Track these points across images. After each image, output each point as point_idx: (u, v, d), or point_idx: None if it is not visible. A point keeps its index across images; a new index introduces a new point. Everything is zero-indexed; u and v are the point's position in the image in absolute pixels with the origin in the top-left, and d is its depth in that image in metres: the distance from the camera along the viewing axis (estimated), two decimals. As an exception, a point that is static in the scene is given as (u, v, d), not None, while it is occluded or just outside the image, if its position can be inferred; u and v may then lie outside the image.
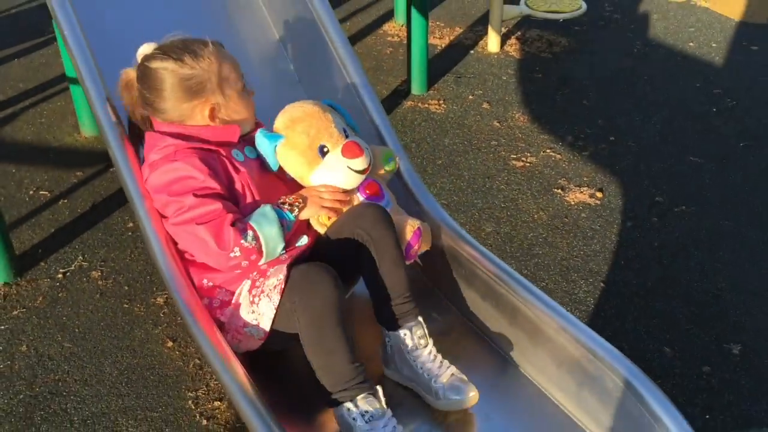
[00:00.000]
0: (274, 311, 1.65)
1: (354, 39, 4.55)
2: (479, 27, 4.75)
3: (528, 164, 3.29)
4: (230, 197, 1.74)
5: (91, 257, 2.72)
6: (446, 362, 1.71)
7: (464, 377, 1.67)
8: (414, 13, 3.71)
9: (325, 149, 1.79)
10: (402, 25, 4.71)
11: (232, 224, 1.65)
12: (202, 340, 1.60)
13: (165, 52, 1.77)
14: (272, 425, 1.39)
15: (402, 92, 3.91)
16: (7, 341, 2.36)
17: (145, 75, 1.79)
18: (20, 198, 3.05)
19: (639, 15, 4.91)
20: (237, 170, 1.78)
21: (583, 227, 2.88)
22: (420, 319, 1.74)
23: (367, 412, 1.53)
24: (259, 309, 1.69)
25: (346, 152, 1.76)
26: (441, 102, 3.81)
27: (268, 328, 1.68)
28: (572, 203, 3.02)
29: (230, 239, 1.64)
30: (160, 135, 1.79)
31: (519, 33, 4.64)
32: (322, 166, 1.79)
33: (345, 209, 1.82)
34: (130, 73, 1.86)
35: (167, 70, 1.75)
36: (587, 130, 3.56)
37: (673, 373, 2.23)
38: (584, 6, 4.42)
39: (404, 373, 1.74)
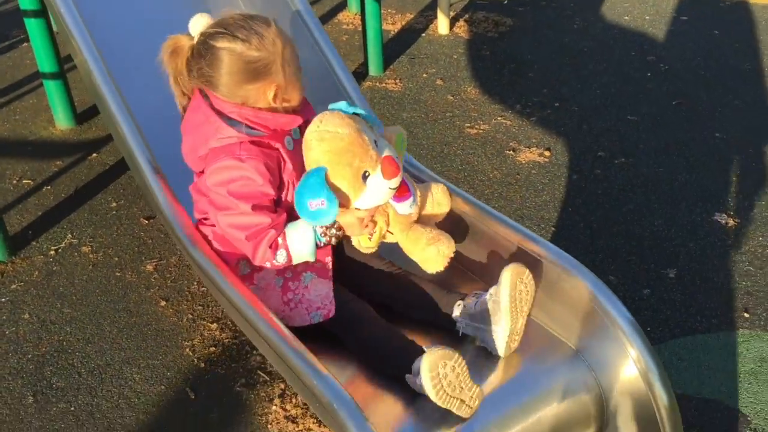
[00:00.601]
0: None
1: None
2: (429, 12, 5.02)
3: (481, 131, 3.56)
4: (278, 195, 1.81)
5: (80, 235, 2.90)
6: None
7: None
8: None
9: (367, 174, 1.73)
10: (356, 14, 4.95)
11: (270, 245, 1.73)
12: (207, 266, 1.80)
13: (231, 32, 1.73)
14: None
15: (360, 74, 4.15)
16: (9, 311, 2.53)
17: (210, 53, 1.75)
18: (5, 188, 3.21)
19: (577, -6, 5.23)
20: (285, 163, 1.80)
21: (533, 182, 3.15)
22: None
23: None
24: (292, 314, 1.87)
25: (386, 173, 1.71)
26: (397, 81, 4.06)
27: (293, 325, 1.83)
28: (523, 162, 3.30)
29: (263, 256, 1.74)
30: (220, 117, 1.78)
31: (467, 16, 4.92)
32: (366, 191, 1.74)
33: (379, 219, 1.83)
34: (181, 40, 1.82)
35: (235, 52, 1.72)
36: (534, 98, 3.85)
37: (619, 298, 2.50)
38: (525, -13, 4.71)
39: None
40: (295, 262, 1.79)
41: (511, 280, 1.67)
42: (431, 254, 1.76)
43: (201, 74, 1.80)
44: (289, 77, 1.78)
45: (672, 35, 4.51)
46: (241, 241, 1.77)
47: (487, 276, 1.92)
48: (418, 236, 1.76)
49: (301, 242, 1.75)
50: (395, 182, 1.73)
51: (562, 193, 3.07)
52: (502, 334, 1.69)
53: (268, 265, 1.79)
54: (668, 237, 2.78)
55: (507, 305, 1.66)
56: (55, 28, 3.48)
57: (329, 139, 1.68)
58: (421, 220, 1.89)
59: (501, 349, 1.71)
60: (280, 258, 1.76)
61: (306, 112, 1.92)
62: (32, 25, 3.40)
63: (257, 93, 1.77)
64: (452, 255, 1.79)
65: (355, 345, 1.84)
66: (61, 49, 3.50)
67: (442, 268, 1.79)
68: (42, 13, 3.38)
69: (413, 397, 1.63)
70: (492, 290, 1.73)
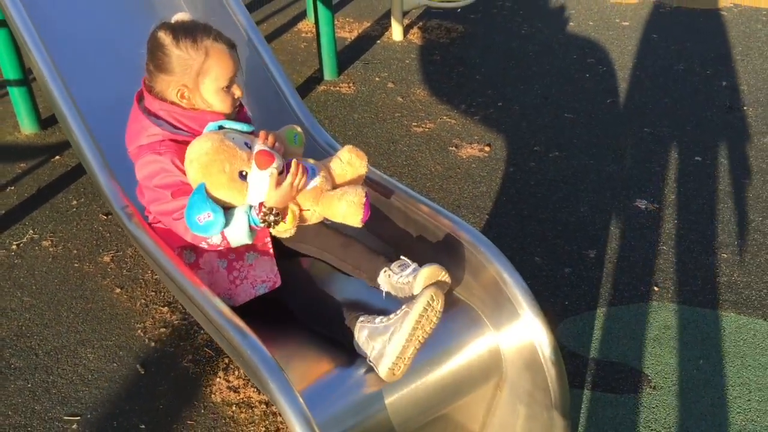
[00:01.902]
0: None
1: (271, 37, 4.97)
2: (385, 20, 5.24)
3: (427, 129, 3.76)
4: None
5: (41, 230, 3.07)
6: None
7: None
8: (320, 6, 4.17)
9: (244, 173, 1.83)
10: (313, 23, 5.15)
11: None
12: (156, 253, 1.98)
13: (173, 28, 1.94)
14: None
15: (316, 79, 4.35)
16: (-28, 300, 2.69)
17: (150, 40, 1.96)
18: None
19: (527, 2, 5.48)
20: None
21: (472, 175, 3.36)
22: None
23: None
24: (237, 290, 2.01)
25: (260, 164, 1.82)
26: (351, 85, 4.27)
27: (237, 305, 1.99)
28: (464, 157, 3.50)
29: (200, 237, 1.87)
30: (148, 117, 1.97)
31: (421, 23, 5.14)
32: (250, 187, 1.85)
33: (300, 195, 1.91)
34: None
35: (164, 42, 1.92)
36: (479, 99, 4.07)
37: (542, 275, 2.71)
38: (475, -5, 4.94)
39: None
40: (233, 245, 1.93)
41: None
42: (343, 209, 1.86)
43: (147, 64, 2.00)
44: (198, 84, 1.92)
45: (613, 39, 4.76)
46: (172, 224, 1.93)
47: (396, 245, 2.12)
48: (328, 199, 1.89)
49: (235, 228, 1.87)
50: (273, 169, 1.83)
51: (498, 185, 3.28)
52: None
53: (204, 245, 1.93)
54: (592, 222, 2.99)
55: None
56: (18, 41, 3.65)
57: (196, 158, 1.82)
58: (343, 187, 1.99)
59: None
60: (215, 240, 1.89)
61: (240, 117, 2.11)
62: (-4, 34, 3.57)
63: (165, 85, 1.95)
64: (363, 200, 1.86)
65: (297, 308, 2.01)
66: (24, 59, 3.67)
67: (361, 215, 1.86)
68: (4, 23, 3.55)
69: (341, 362, 1.82)
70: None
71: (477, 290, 1.89)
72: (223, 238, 1.89)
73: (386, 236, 2.20)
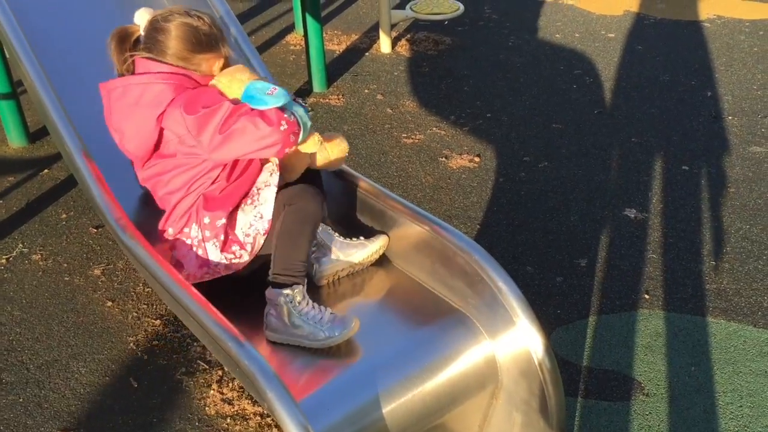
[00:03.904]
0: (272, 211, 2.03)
1: (259, 50, 4.98)
2: (373, 33, 5.27)
3: (417, 141, 3.78)
4: None
5: (31, 244, 3.05)
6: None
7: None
8: (309, 19, 4.19)
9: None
10: (302, 36, 5.17)
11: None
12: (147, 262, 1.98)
13: (183, 13, 2.08)
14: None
15: (305, 91, 4.36)
16: (-39, 315, 2.66)
17: (164, 30, 2.05)
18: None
19: (514, 14, 5.54)
20: None
21: (463, 185, 3.38)
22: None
23: (295, 298, 1.95)
24: (259, 211, 2.05)
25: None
26: (340, 96, 4.28)
27: (267, 225, 2.03)
28: (454, 168, 3.53)
29: (274, 116, 1.93)
30: (156, 78, 2.04)
31: (408, 36, 5.18)
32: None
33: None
34: (129, 28, 2.13)
35: (191, 25, 2.06)
36: (468, 110, 4.10)
37: (534, 284, 2.73)
38: (462, 7, 4.99)
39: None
40: (301, 120, 2.02)
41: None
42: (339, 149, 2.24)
43: (151, 45, 2.07)
44: (230, 50, 2.13)
45: (598, 51, 4.81)
46: (252, 127, 1.91)
47: (392, 254, 2.14)
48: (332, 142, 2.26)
49: (297, 108, 2.05)
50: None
51: (489, 195, 3.30)
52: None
53: (285, 125, 1.93)
54: (582, 231, 3.02)
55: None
56: (7, 54, 3.64)
57: (229, 73, 2.10)
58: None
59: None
60: (288, 113, 1.98)
61: None
62: (-16, 48, 3.55)
63: (208, 63, 2.10)
64: (342, 154, 2.21)
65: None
66: (12, 72, 3.66)
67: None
68: (-7, 36, 3.53)
69: (337, 371, 1.83)
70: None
71: (472, 299, 1.90)
72: (293, 113, 2.01)
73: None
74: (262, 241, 2.06)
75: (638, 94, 4.18)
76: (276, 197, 2.05)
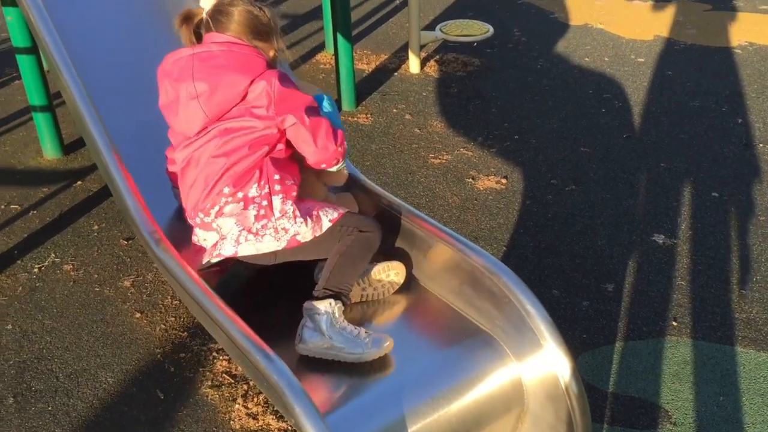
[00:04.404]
0: (330, 224, 2.10)
1: (290, 68, 5.04)
2: (402, 53, 5.31)
3: (444, 161, 3.80)
4: None
5: (63, 254, 3.10)
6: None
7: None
8: (339, 38, 4.25)
9: None
10: (332, 55, 5.23)
11: None
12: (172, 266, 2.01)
13: (246, 2, 2.24)
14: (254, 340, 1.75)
15: (334, 109, 4.40)
16: (-7, 322, 2.72)
17: (227, 13, 2.20)
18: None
19: (542, 37, 5.55)
20: None
21: (489, 207, 3.38)
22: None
23: (336, 311, 1.99)
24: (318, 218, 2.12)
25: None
26: (368, 115, 4.32)
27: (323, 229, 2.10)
28: (481, 189, 3.53)
29: (340, 137, 2.19)
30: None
31: (437, 56, 5.21)
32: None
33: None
34: (194, 10, 2.27)
35: (252, 12, 2.22)
36: (495, 131, 4.11)
37: (560, 308, 2.72)
38: (491, 29, 5.02)
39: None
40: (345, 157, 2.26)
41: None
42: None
43: (213, 26, 2.20)
44: (283, 44, 2.29)
45: (628, 75, 4.80)
46: (329, 133, 2.15)
47: (421, 274, 2.14)
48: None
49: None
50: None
51: (515, 217, 3.30)
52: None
53: (340, 149, 2.20)
54: (609, 255, 3.00)
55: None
56: (45, 67, 3.73)
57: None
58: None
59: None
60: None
61: None
62: (24, 62, 3.65)
63: (265, 50, 2.23)
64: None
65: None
66: (50, 85, 3.75)
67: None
68: (33, 50, 3.63)
69: (363, 388, 1.83)
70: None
71: (499, 320, 1.90)
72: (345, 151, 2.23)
73: (408, 264, 2.22)
74: (326, 226, 2.10)
75: (668, 120, 4.16)
76: (345, 216, 2.14)
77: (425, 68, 5.03)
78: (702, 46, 5.24)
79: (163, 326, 2.68)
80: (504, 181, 3.59)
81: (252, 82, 2.10)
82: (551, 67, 5.01)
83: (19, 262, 3.05)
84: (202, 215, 2.13)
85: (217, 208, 2.09)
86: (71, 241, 3.19)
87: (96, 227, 3.28)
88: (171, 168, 2.40)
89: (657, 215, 3.27)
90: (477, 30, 5.00)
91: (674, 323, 2.62)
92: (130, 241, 3.17)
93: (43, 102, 3.73)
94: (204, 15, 2.25)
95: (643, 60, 5.06)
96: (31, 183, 3.65)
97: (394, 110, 4.39)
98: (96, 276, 2.97)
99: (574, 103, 4.43)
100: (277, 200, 2.07)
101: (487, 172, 3.68)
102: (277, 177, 2.09)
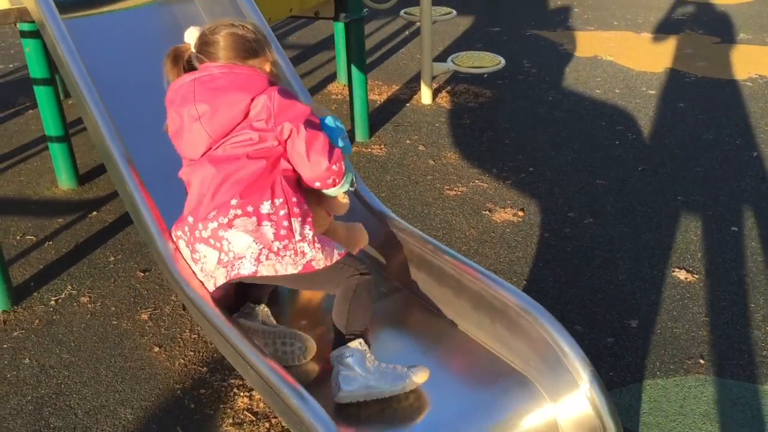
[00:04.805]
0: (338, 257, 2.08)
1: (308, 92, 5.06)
2: (413, 84, 5.34)
3: (459, 193, 3.79)
4: None
5: (79, 286, 3.07)
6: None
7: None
8: (354, 69, 4.26)
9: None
10: (344, 85, 5.25)
11: None
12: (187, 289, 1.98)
13: (228, 24, 2.23)
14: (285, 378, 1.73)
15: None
16: (11, 356, 2.68)
17: (213, 42, 2.19)
18: (8, 243, 3.38)
19: (553, 69, 5.58)
20: None
21: (508, 240, 3.37)
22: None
23: (368, 354, 1.99)
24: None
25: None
26: (382, 146, 4.32)
27: (333, 260, 2.07)
28: (498, 221, 3.52)
29: (336, 155, 2.12)
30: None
31: (449, 87, 5.24)
32: None
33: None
34: (181, 47, 2.27)
35: (237, 34, 2.21)
36: (510, 163, 4.11)
37: (584, 345, 2.66)
38: (503, 61, 5.04)
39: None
40: (344, 181, 2.18)
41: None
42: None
43: (203, 58, 2.19)
44: (275, 54, 2.30)
45: (640, 107, 4.82)
46: (325, 147, 2.11)
47: (452, 313, 2.12)
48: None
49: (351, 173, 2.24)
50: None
51: (534, 250, 3.28)
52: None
53: (335, 168, 2.12)
54: (631, 290, 2.98)
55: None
56: (62, 96, 3.73)
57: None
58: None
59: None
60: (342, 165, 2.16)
61: None
62: (41, 93, 3.65)
63: (261, 65, 2.20)
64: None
65: None
66: (66, 113, 3.75)
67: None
68: (51, 81, 3.64)
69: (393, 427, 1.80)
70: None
71: (534, 361, 1.87)
72: (343, 171, 2.16)
73: (437, 302, 2.19)
74: (335, 258, 2.08)
75: (682, 152, 4.16)
76: (348, 255, 2.13)
77: (437, 99, 5.05)
78: (712, 79, 5.26)
79: (182, 361, 2.65)
80: (521, 213, 3.58)
81: (253, 99, 2.09)
82: (563, 98, 5.02)
83: (35, 294, 3.02)
84: (201, 227, 2.06)
85: (225, 219, 2.03)
86: (88, 273, 3.16)
87: (112, 258, 3.26)
88: None
89: (677, 250, 3.25)
90: (489, 62, 5.03)
91: (701, 361, 2.59)
92: (147, 273, 3.15)
93: (60, 132, 3.73)
94: (192, 50, 2.25)
95: (654, 92, 5.08)
96: (47, 213, 3.63)
97: (408, 141, 4.39)
98: (113, 309, 2.94)
99: (587, 135, 4.44)
100: (296, 223, 2.04)
101: (504, 205, 3.67)
102: (294, 199, 2.07)
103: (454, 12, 5.24)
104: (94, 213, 3.63)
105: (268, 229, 2.01)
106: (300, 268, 2.03)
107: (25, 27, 3.36)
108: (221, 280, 2.06)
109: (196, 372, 2.59)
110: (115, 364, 2.64)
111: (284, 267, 2.02)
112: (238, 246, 2.02)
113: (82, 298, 2.99)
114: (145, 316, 2.88)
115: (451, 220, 3.54)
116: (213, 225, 2.04)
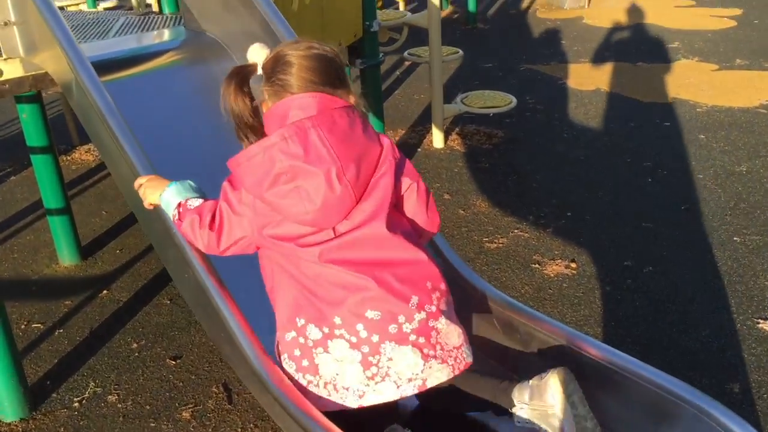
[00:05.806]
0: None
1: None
2: (420, 127, 5.11)
3: (501, 245, 3.53)
4: None
5: (104, 382, 2.70)
6: None
7: None
8: (372, 119, 4.00)
9: None
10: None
11: None
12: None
13: (305, 42, 1.78)
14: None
15: (366, 192, 4.12)
16: (38, 477, 2.29)
17: (286, 64, 1.73)
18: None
19: (558, 105, 5.42)
20: None
21: (567, 295, 3.11)
22: None
23: None
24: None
25: None
26: (405, 197, 4.04)
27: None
28: (551, 275, 3.26)
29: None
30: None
31: (458, 129, 5.02)
32: None
33: None
34: (247, 67, 1.82)
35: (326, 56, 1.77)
36: (544, 209, 3.87)
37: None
38: (514, 100, 4.85)
39: None
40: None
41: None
42: None
43: (275, 82, 1.74)
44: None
45: (660, 140, 4.66)
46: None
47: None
48: None
49: None
50: None
51: (600, 306, 3.03)
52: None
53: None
54: (720, 348, 2.74)
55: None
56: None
57: None
58: None
59: None
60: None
61: None
62: (38, 161, 3.30)
63: (347, 97, 1.78)
64: None
65: None
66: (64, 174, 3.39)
67: None
68: (49, 149, 3.28)
69: None
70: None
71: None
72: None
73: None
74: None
75: (719, 187, 3.99)
76: None
77: (448, 142, 4.82)
78: (724, 107, 5.16)
79: (241, 469, 2.30)
80: (573, 265, 3.33)
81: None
82: (578, 135, 4.85)
83: (54, 395, 2.64)
84: (404, 320, 1.70)
85: (434, 307, 1.76)
86: (110, 365, 2.79)
87: (135, 345, 2.89)
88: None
89: (752, 297, 3.03)
90: (500, 101, 4.83)
91: (823, 427, 2.35)
92: (179, 361, 2.79)
93: (60, 204, 3.37)
94: (259, 71, 1.80)
95: (669, 124, 4.94)
96: (51, 295, 3.25)
97: (431, 189, 4.12)
98: (147, 407, 2.57)
99: (616, 173, 4.25)
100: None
101: (552, 256, 3.42)
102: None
103: (461, 51, 5.03)
104: (105, 292, 3.26)
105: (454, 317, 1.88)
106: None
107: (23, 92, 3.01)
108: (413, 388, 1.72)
109: (260, 481, 2.25)
110: (163, 478, 2.28)
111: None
112: (452, 338, 1.83)
113: (110, 397, 2.62)
114: (186, 415, 2.52)
115: (499, 276, 3.27)
116: (421, 313, 1.78)
